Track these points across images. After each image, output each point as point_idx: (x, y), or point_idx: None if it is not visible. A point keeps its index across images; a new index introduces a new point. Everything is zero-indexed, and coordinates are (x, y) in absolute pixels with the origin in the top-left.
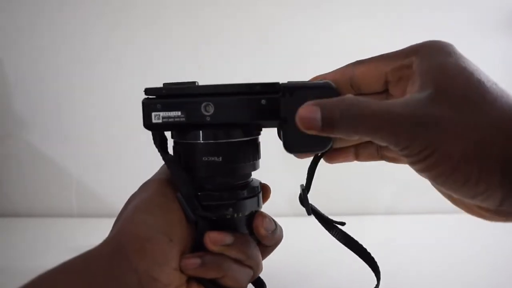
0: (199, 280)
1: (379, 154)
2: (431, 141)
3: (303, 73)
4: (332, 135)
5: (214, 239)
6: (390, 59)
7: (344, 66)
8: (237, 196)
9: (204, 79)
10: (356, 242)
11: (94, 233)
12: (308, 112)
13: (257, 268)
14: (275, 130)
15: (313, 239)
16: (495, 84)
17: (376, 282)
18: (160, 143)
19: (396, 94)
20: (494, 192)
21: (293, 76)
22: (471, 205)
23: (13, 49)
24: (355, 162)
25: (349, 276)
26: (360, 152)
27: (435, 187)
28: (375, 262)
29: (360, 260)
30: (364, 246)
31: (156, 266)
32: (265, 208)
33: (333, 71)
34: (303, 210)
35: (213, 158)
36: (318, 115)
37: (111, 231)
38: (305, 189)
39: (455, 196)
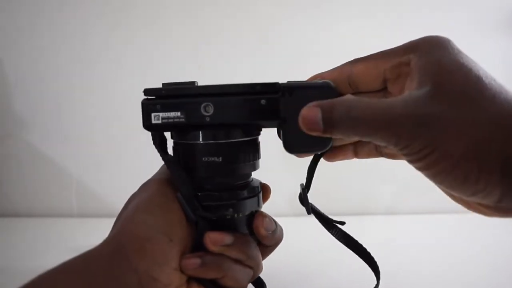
0: (199, 280)
1: (378, 151)
2: (431, 140)
3: (303, 73)
4: (333, 136)
5: (214, 239)
6: (388, 57)
7: (342, 65)
8: (237, 196)
9: (204, 79)
10: (356, 241)
11: (94, 233)
12: (309, 113)
13: (257, 268)
14: (275, 130)
15: (313, 239)
16: (494, 80)
17: (376, 282)
18: (160, 144)
19: (395, 92)
20: (494, 189)
21: (293, 76)
22: (470, 201)
23: (13, 49)
24: (355, 162)
25: (349, 276)
26: (359, 149)
27: (434, 183)
28: (375, 262)
29: (360, 260)
30: (364, 246)
31: (156, 266)
32: (265, 208)
33: (331, 69)
34: (303, 210)
35: (213, 159)
36: (319, 116)
37: (111, 231)
38: (305, 188)
39: (454, 193)
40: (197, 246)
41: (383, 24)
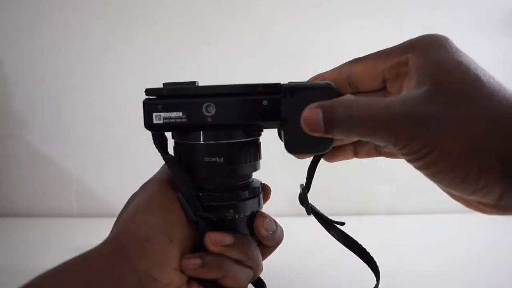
0: (199, 280)
1: (378, 150)
2: (430, 139)
3: (303, 73)
4: (334, 136)
5: (215, 239)
6: (387, 57)
7: (341, 65)
8: (238, 197)
9: (204, 79)
10: (356, 242)
11: (94, 233)
12: (311, 114)
13: (257, 268)
14: (275, 130)
15: (313, 239)
16: (492, 78)
17: (375, 282)
18: (161, 143)
19: (394, 91)
20: (494, 188)
21: (293, 76)
22: (470, 200)
23: (13, 49)
24: (355, 162)
25: (349, 276)
26: (359, 149)
27: (434, 182)
28: (375, 262)
29: (360, 260)
30: (364, 246)
31: (156, 266)
32: (265, 208)
33: (331, 70)
34: (303, 210)
35: (214, 159)
36: (320, 117)
37: (112, 231)
38: (305, 188)
39: (454, 192)
40: (197, 247)
41: (383, 24)
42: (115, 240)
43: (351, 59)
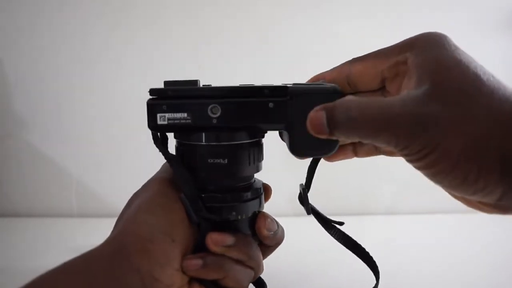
0: (200, 281)
1: (378, 149)
2: (430, 140)
3: (303, 73)
4: (336, 138)
5: (216, 240)
6: (385, 56)
7: (341, 65)
8: (241, 199)
9: (204, 79)
10: (355, 242)
11: (94, 233)
12: (316, 116)
13: (258, 268)
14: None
15: (313, 239)
16: (492, 76)
17: (375, 282)
18: (163, 142)
19: (393, 91)
20: (495, 188)
21: (293, 76)
22: (471, 199)
23: (13, 49)
24: (355, 161)
25: (349, 276)
26: (359, 149)
27: (434, 183)
28: (374, 262)
29: (360, 260)
30: (364, 246)
31: (158, 267)
32: (266, 208)
33: (331, 69)
34: (303, 210)
35: (218, 160)
36: (324, 119)
37: (113, 231)
38: (305, 188)
39: (455, 193)
40: (198, 247)
41: (383, 24)
42: (117, 240)
43: (350, 59)
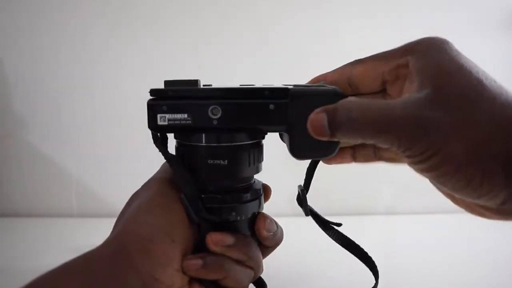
0: (200, 281)
1: (377, 155)
2: (432, 144)
3: (303, 73)
4: (338, 139)
5: (216, 240)
6: (386, 59)
7: (343, 66)
8: (241, 199)
9: (204, 79)
10: (353, 243)
11: (94, 233)
12: (317, 118)
13: (258, 268)
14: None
15: (313, 239)
16: (494, 81)
17: (374, 282)
18: (163, 142)
19: (394, 94)
20: (499, 192)
21: (293, 76)
22: (472, 204)
23: (13, 49)
24: (355, 163)
25: (349, 276)
26: (357, 153)
27: (436, 186)
28: (373, 262)
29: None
30: (364, 246)
31: (159, 267)
32: (266, 208)
33: (332, 71)
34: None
35: (218, 161)
36: (325, 121)
37: (113, 230)
38: (304, 189)
39: (457, 196)
40: (198, 247)
41: (383, 24)
42: (117, 240)
43: (351, 59)
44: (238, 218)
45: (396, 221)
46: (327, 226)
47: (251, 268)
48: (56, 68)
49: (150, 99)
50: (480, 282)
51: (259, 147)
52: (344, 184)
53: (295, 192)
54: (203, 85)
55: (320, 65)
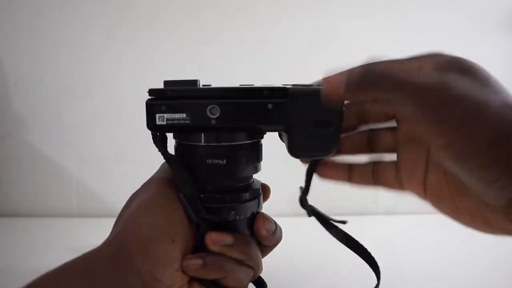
0: (201, 280)
1: (374, 176)
2: (463, 115)
3: (303, 73)
4: (352, 98)
5: (215, 239)
6: None
7: None
8: (240, 199)
9: (204, 79)
10: (357, 242)
11: (94, 233)
12: (335, 77)
13: (257, 268)
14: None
15: (313, 239)
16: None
17: (376, 282)
18: (162, 142)
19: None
20: None
21: (293, 76)
22: (476, 207)
23: (13, 49)
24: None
25: (349, 276)
26: (354, 172)
27: (452, 166)
28: (375, 262)
29: (361, 260)
30: (365, 246)
31: (160, 267)
32: (266, 208)
33: None
34: (303, 210)
35: (217, 161)
36: (344, 79)
37: (112, 231)
38: (304, 191)
39: (469, 183)
40: (198, 247)
41: (383, 24)
42: (116, 240)
43: (351, 59)
44: (237, 217)
45: (396, 221)
46: (330, 225)
47: (250, 267)
48: (56, 68)
49: (149, 99)
50: (480, 282)
51: (258, 147)
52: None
53: (295, 192)
54: (203, 85)
55: (320, 65)
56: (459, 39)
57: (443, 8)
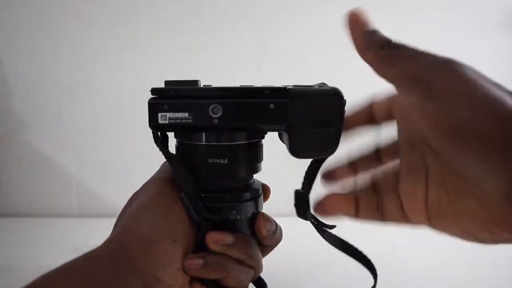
0: (202, 280)
1: (380, 209)
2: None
3: (303, 73)
4: (374, 57)
5: (216, 239)
6: None
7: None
8: (240, 199)
9: (204, 79)
10: (350, 244)
11: (94, 233)
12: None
13: (258, 268)
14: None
15: (313, 238)
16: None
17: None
18: (163, 142)
19: None
20: None
21: (293, 76)
22: (479, 212)
23: (13, 49)
24: None
25: (349, 276)
26: (361, 205)
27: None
28: (371, 263)
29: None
30: (363, 246)
31: (161, 267)
32: (266, 208)
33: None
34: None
35: (218, 160)
36: (375, 36)
37: (113, 231)
38: (306, 193)
39: (472, 162)
40: (199, 247)
41: (383, 24)
42: (117, 240)
43: (351, 59)
44: (238, 217)
45: None
46: (320, 229)
47: (251, 267)
48: (56, 68)
49: (151, 98)
50: (480, 282)
51: (259, 146)
52: None
53: None
54: (203, 85)
55: (320, 65)
56: (459, 39)
57: (443, 8)
